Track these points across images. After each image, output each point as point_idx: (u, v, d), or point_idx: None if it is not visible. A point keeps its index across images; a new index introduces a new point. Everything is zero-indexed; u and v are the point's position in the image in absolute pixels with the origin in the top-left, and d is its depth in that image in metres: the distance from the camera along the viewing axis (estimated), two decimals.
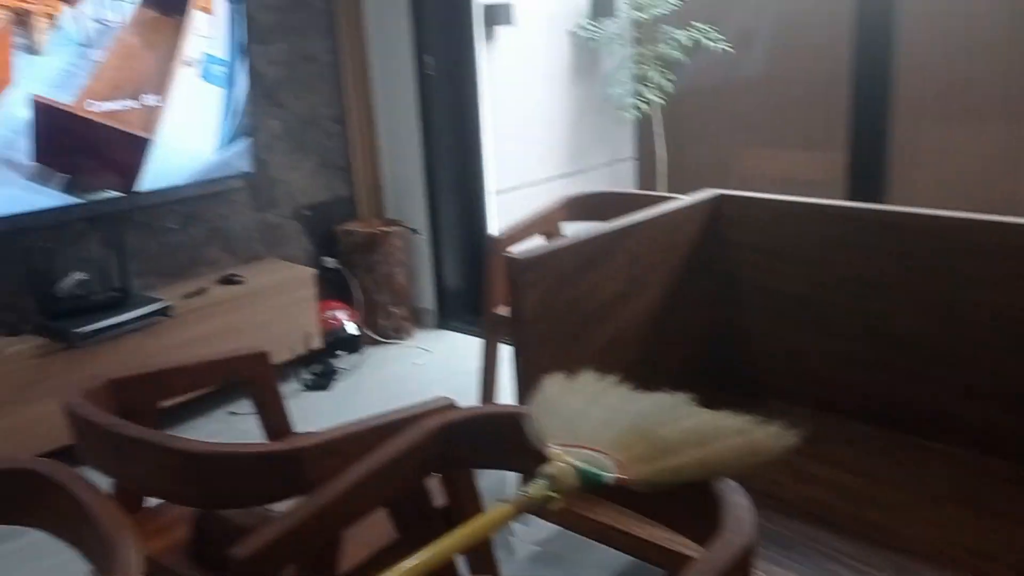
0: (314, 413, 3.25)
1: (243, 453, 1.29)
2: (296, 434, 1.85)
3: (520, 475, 1.47)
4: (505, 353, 2.79)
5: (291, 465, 1.31)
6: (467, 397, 3.13)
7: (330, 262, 3.94)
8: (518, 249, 1.86)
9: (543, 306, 1.88)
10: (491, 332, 2.76)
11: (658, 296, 2.20)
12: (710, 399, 1.27)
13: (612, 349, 2.08)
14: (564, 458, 1.22)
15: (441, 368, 3.65)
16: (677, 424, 1.29)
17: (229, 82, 3.21)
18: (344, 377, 3.59)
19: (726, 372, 2.36)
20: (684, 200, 2.26)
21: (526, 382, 1.86)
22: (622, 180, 5.13)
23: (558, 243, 1.95)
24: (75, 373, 2.86)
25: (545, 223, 2.83)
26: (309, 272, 3.64)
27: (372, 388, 3.49)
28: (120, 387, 1.62)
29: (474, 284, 4.17)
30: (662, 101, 4.65)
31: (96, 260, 3.19)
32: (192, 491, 1.36)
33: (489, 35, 4.07)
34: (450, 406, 1.52)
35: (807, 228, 2.18)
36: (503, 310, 2.70)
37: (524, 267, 1.83)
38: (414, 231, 4.00)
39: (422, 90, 3.86)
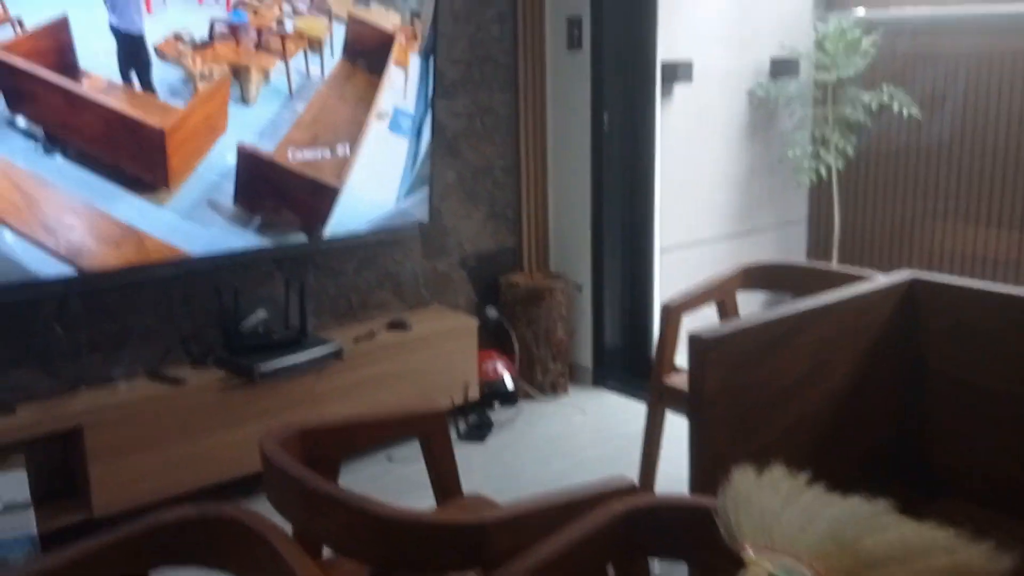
0: (471, 466, 3.27)
1: (431, 522, 1.30)
2: (466, 496, 1.86)
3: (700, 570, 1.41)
4: (671, 423, 2.72)
5: (476, 537, 1.30)
6: (625, 463, 3.07)
7: (492, 312, 3.98)
8: (689, 316, 1.81)
9: (725, 387, 1.81)
10: (657, 401, 2.70)
11: (843, 381, 2.08)
12: (890, 492, 1.18)
13: (793, 433, 1.98)
14: (764, 564, 1.15)
15: (598, 430, 3.61)
16: (879, 535, 1.19)
17: (415, 134, 3.33)
18: (500, 430, 3.60)
19: (909, 465, 2.20)
20: (875, 282, 2.15)
21: (703, 464, 1.79)
22: (792, 243, 4.96)
23: (742, 322, 1.88)
24: (253, 408, 3.00)
25: (720, 292, 2.76)
26: (472, 322, 3.70)
27: (528, 445, 3.48)
28: (309, 436, 1.67)
29: (634, 344, 4.11)
30: (841, 165, 4.48)
31: (277, 299, 3.36)
32: (374, 552, 1.38)
33: (666, 92, 4.05)
34: (632, 488, 1.48)
35: (1008, 318, 2.02)
36: (673, 380, 2.64)
37: (708, 346, 1.77)
38: (578, 287, 4.00)
39: (596, 145, 3.87)
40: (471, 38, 3.76)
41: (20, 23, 2.46)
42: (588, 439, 3.51)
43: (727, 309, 2.74)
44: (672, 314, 2.61)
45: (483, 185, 3.96)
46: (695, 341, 1.76)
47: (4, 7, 2.43)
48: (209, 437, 2.93)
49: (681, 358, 2.22)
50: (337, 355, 3.21)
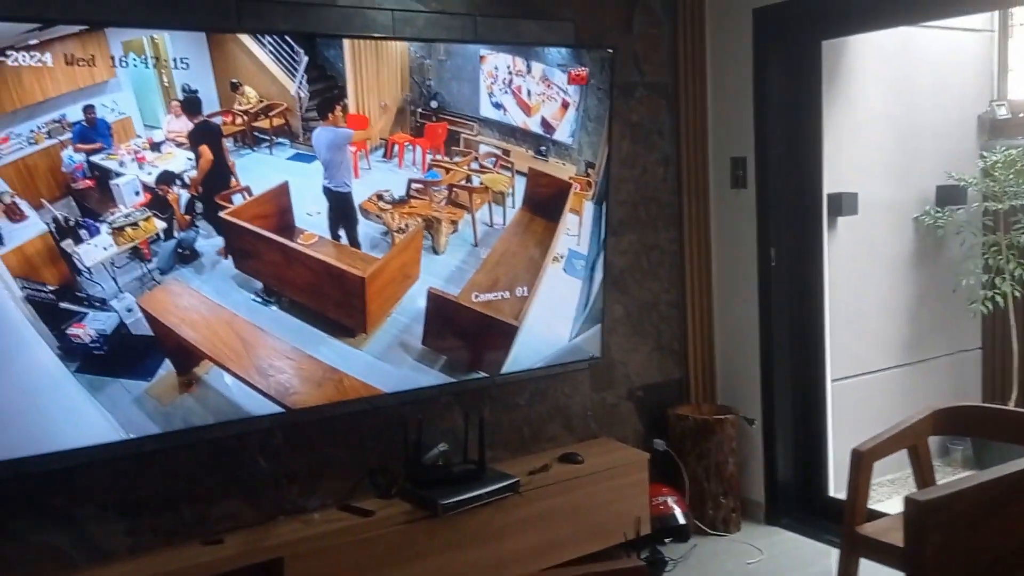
0: None
1: None
2: None
3: None
4: (864, 571, 2.62)
5: None
6: None
7: (660, 445, 3.98)
8: (876, 458, 1.77)
9: (944, 553, 1.76)
10: (850, 551, 2.62)
11: None
12: None
13: None
14: None
15: (775, 572, 3.49)
16: None
17: (588, 275, 3.46)
18: (675, 569, 3.54)
19: None
20: None
21: None
22: (967, 374, 4.74)
23: (958, 483, 1.84)
24: (438, 541, 3.10)
25: (911, 436, 2.68)
26: (643, 455, 3.71)
27: None
28: None
29: (808, 479, 4.00)
30: (1018, 293, 4.30)
31: (457, 432, 3.50)
32: None
33: (831, 224, 4.05)
34: None
35: None
36: (867, 529, 2.56)
37: (926, 509, 1.74)
38: (749, 421, 3.95)
39: (763, 279, 3.90)
40: (636, 180, 3.92)
41: (248, 191, 2.77)
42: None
43: (920, 456, 2.66)
44: (863, 460, 2.56)
45: (649, 319, 4.04)
46: (911, 504, 1.74)
47: (237, 178, 2.75)
48: (397, 570, 3.03)
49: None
50: (515, 488, 3.28)
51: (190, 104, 2.59)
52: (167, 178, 2.63)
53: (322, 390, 3.01)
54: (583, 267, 3.46)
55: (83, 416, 2.64)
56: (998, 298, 4.33)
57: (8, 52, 2.34)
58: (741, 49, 3.82)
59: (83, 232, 2.54)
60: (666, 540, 3.72)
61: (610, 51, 3.33)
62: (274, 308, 2.88)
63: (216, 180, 2.69)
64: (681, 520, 3.76)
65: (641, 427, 4.07)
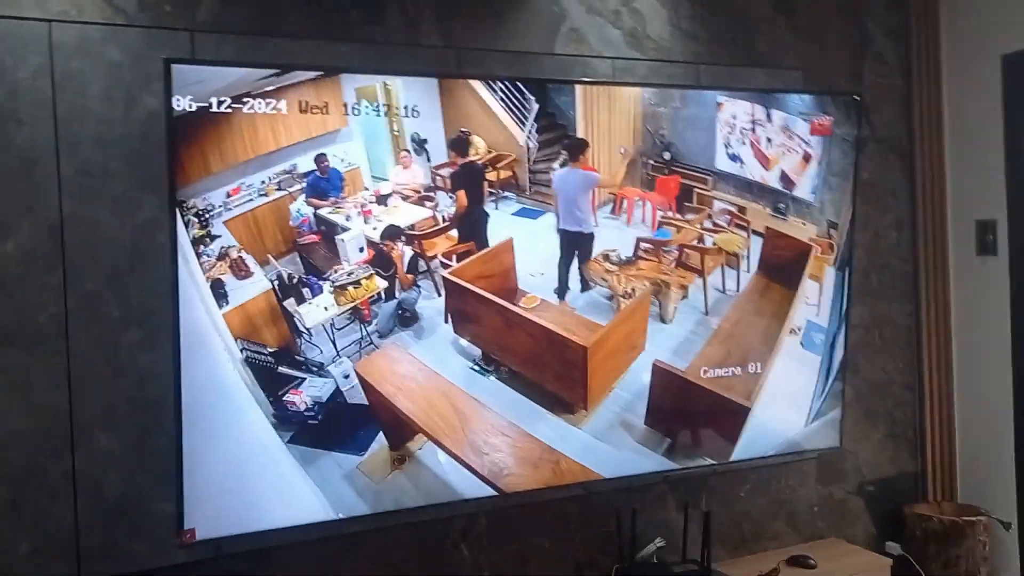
0: None
1: None
2: None
3: None
4: None
5: None
6: None
7: (895, 549, 3.46)
8: None
9: None
10: None
11: None
12: None
13: None
14: None
15: None
16: None
17: (828, 350, 3.05)
18: None
19: None
20: None
21: None
22: None
23: None
24: None
25: None
26: (883, 562, 3.21)
27: None
28: None
29: None
30: None
31: (671, 524, 3.11)
32: None
33: None
34: None
35: None
36: None
37: None
38: (1005, 525, 3.38)
39: (1019, 361, 3.37)
40: (867, 245, 3.51)
41: (473, 248, 2.54)
42: None
43: None
44: None
45: (882, 402, 3.56)
46: None
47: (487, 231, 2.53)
48: None
49: None
50: None
51: (458, 144, 2.41)
52: (393, 233, 2.43)
53: (538, 472, 2.69)
54: (822, 341, 3.05)
55: (293, 492, 2.41)
56: None
57: (245, 99, 2.20)
58: (988, 99, 3.40)
59: (305, 290, 2.36)
60: None
61: (856, 98, 2.98)
62: (492, 378, 2.62)
63: (472, 230, 2.47)
64: None
65: (873, 527, 3.56)
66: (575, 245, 2.66)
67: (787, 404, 3.04)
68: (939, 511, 3.48)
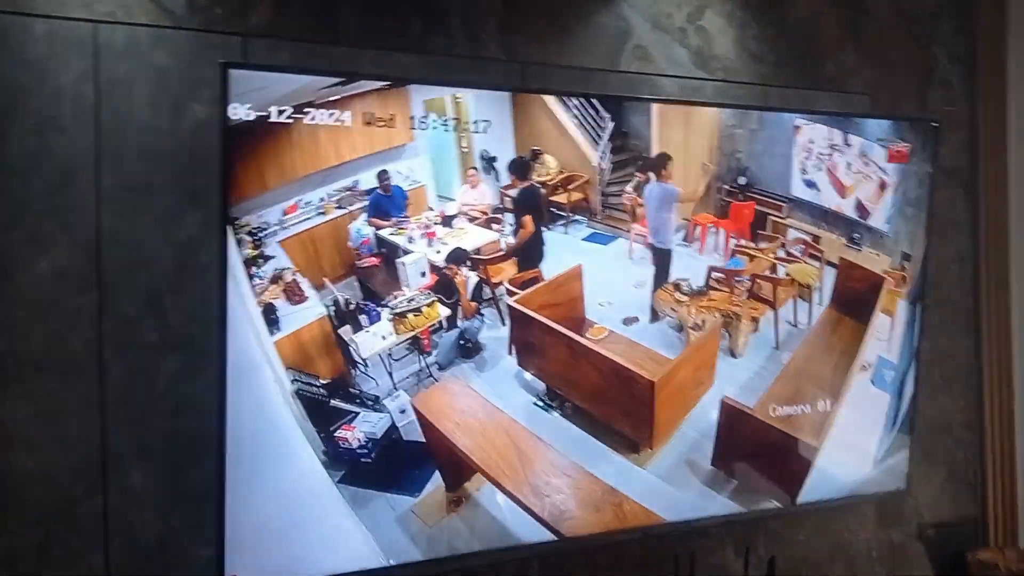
0: None
1: None
2: None
3: None
4: None
5: None
6: None
7: None
8: None
9: None
10: None
11: None
12: None
13: None
14: None
15: None
16: None
17: (897, 389, 2.88)
18: None
19: None
20: None
21: None
22: None
23: None
24: None
25: None
26: None
27: None
28: None
29: None
30: None
31: (727, 569, 2.92)
32: None
33: None
34: None
35: None
36: None
37: None
38: None
39: None
40: (929, 278, 3.34)
41: (540, 275, 2.36)
42: None
43: None
44: None
45: (942, 443, 3.39)
46: None
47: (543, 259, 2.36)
48: None
49: None
50: None
51: (518, 167, 2.23)
52: (458, 257, 2.26)
53: (599, 515, 2.50)
54: (892, 379, 2.88)
55: (342, 536, 2.22)
56: None
57: (307, 109, 2.03)
58: None
59: (363, 317, 2.17)
60: None
61: (934, 124, 2.83)
62: (556, 415, 2.43)
63: (527, 255, 2.29)
64: None
65: (932, 574, 3.37)
66: (659, 259, 2.49)
67: (856, 444, 2.87)
68: (1002, 558, 3.30)
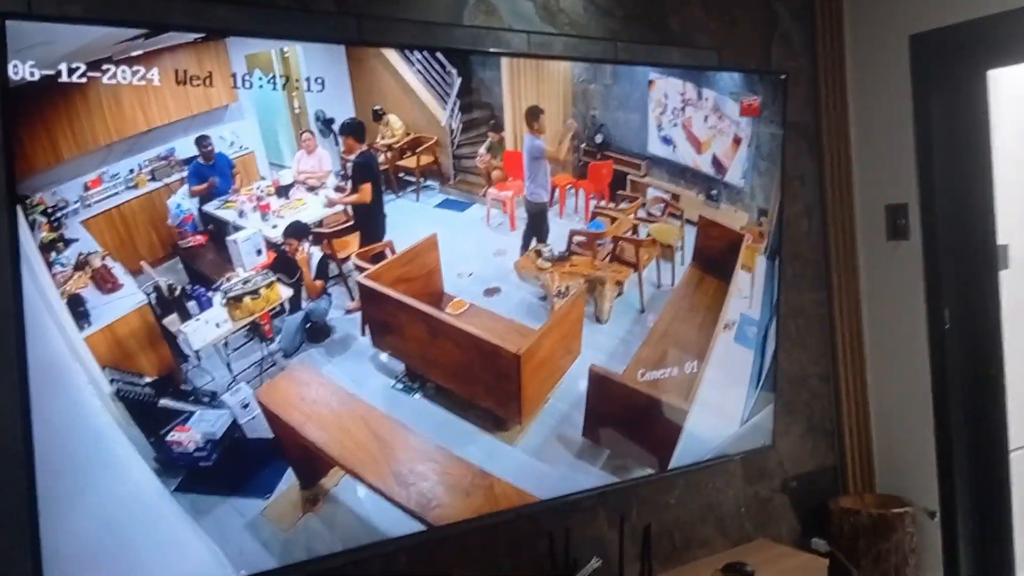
0: None
1: None
2: None
3: None
4: None
5: None
6: None
7: (821, 545, 3.33)
8: None
9: None
10: None
11: None
12: None
13: None
14: None
15: None
16: None
17: (760, 345, 2.88)
18: None
19: None
20: None
21: None
22: None
23: None
24: None
25: None
26: (819, 563, 3.07)
27: None
28: None
29: None
30: None
31: (602, 542, 2.85)
32: None
33: None
34: None
35: None
36: None
37: None
38: (931, 514, 3.34)
39: (935, 345, 3.34)
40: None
41: (391, 247, 2.17)
42: None
43: None
44: None
45: (799, 396, 3.45)
46: None
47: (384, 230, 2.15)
48: None
49: None
50: None
51: (352, 128, 2.00)
52: (297, 231, 2.02)
53: (469, 500, 2.36)
54: (755, 335, 2.87)
55: (182, 550, 1.97)
56: None
57: (105, 66, 1.74)
58: (895, 81, 3.33)
59: (191, 304, 1.91)
60: None
61: (783, 77, 2.82)
62: (417, 396, 2.25)
63: (368, 228, 2.08)
64: None
65: (797, 524, 3.43)
66: (533, 214, 2.34)
67: (723, 404, 2.84)
68: (862, 504, 3.39)
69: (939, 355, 3.34)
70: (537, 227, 2.39)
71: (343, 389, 2.14)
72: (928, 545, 3.38)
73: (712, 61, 3.10)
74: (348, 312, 2.12)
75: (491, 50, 2.47)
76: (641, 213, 2.60)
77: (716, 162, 2.70)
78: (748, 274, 2.83)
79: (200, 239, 1.93)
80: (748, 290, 2.84)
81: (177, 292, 1.89)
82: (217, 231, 1.95)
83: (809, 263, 3.47)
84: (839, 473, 3.54)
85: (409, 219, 2.20)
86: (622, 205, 2.56)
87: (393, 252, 2.17)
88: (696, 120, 2.63)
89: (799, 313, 3.45)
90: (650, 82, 2.55)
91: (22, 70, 1.66)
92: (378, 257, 2.16)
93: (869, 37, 3.41)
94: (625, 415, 2.63)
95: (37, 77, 1.67)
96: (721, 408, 2.84)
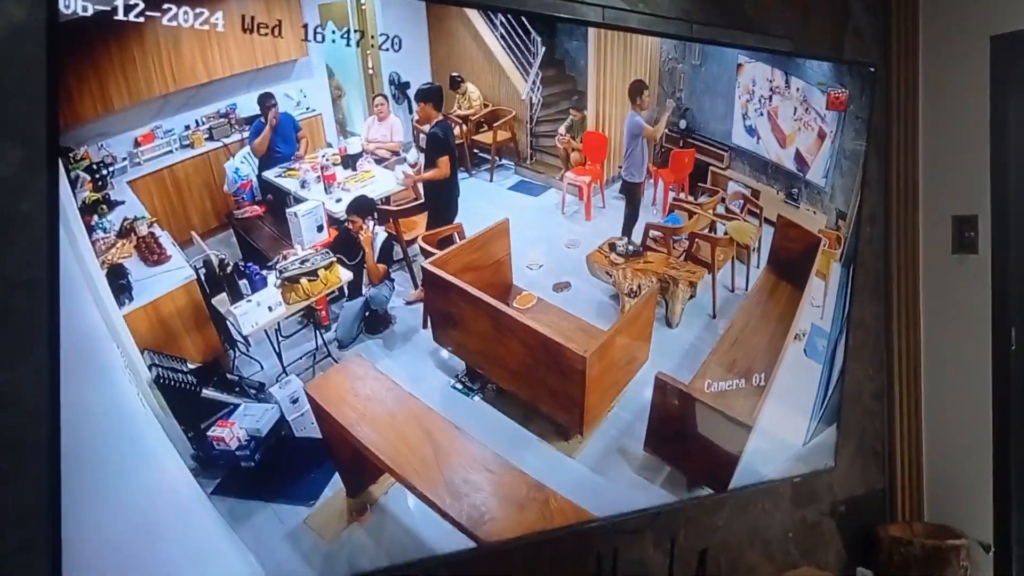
0: None
1: None
2: None
3: None
4: None
5: None
6: None
7: (866, 575, 3.16)
8: None
9: None
10: None
11: None
12: None
13: None
14: None
15: None
16: None
17: (829, 359, 2.68)
18: None
19: None
20: None
21: None
22: None
23: None
24: None
25: None
26: None
27: None
28: None
29: None
30: None
31: (648, 565, 2.64)
32: None
33: None
34: None
35: None
36: None
37: None
38: (986, 548, 3.15)
39: (1000, 367, 3.15)
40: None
41: (461, 233, 1.95)
42: None
43: None
44: None
45: (852, 413, 3.25)
46: None
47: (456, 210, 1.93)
48: None
49: None
50: None
51: (431, 95, 1.78)
52: (362, 207, 1.80)
53: (523, 515, 2.14)
54: (824, 348, 2.67)
55: (216, 559, 1.74)
56: None
57: (166, 4, 1.51)
58: (972, 83, 3.14)
59: (243, 283, 1.69)
60: None
61: (872, 69, 2.62)
62: (477, 399, 2.04)
63: (438, 208, 1.86)
64: None
65: (844, 551, 3.24)
66: (628, 195, 2.13)
67: (788, 421, 2.64)
68: (911, 532, 3.20)
69: (1003, 377, 3.15)
70: (635, 208, 2.17)
71: (400, 387, 1.92)
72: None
73: (787, 48, 2.90)
74: (409, 303, 1.90)
75: (583, 19, 2.25)
76: (720, 209, 2.39)
77: (799, 157, 2.50)
78: (822, 282, 2.63)
79: (257, 210, 1.70)
80: (821, 299, 2.64)
81: (229, 268, 1.67)
82: (276, 202, 1.72)
83: (869, 273, 3.28)
84: (888, 498, 3.35)
85: (481, 201, 1.98)
86: (701, 199, 2.35)
87: (462, 237, 1.95)
88: (783, 111, 2.43)
89: (858, 326, 3.25)
90: (739, 66, 2.34)
91: (74, 3, 1.43)
92: (445, 242, 1.94)
93: (947, 36, 3.22)
94: (689, 429, 2.42)
95: (90, 12, 1.45)
96: (785, 425, 2.64)
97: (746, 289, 2.48)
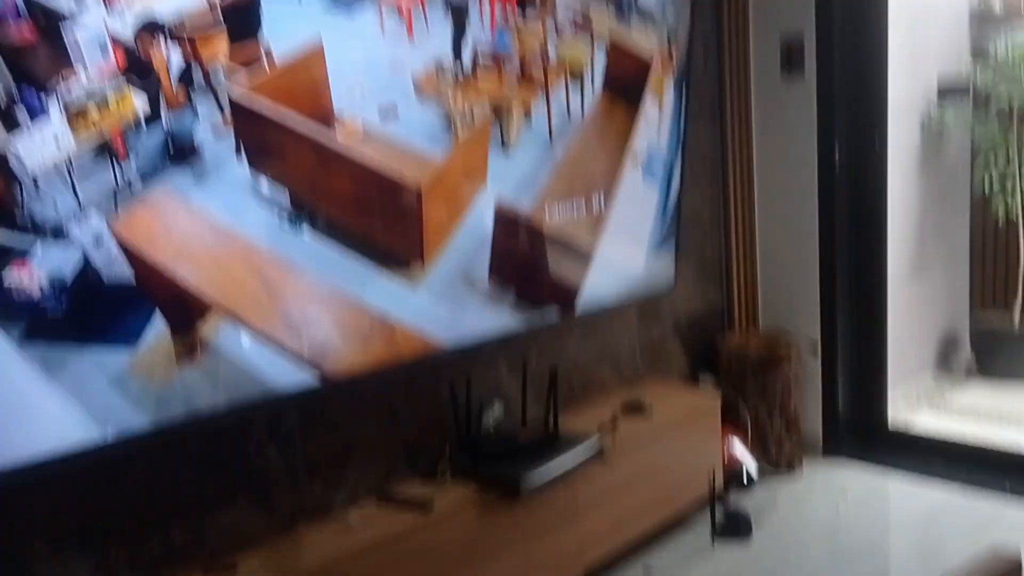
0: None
1: None
2: None
3: None
4: None
5: None
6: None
7: (708, 382, 3.38)
8: None
9: None
10: None
11: None
12: None
13: None
14: None
15: (868, 513, 3.03)
16: None
17: (665, 180, 2.73)
18: (760, 521, 2.96)
19: None
20: None
21: None
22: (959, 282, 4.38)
23: None
24: (514, 530, 2.35)
25: None
26: (713, 399, 3.09)
27: (805, 540, 2.86)
28: None
29: (865, 407, 3.53)
30: None
31: (502, 388, 2.72)
32: None
33: None
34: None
35: None
36: None
37: None
38: (813, 348, 3.40)
39: (824, 185, 3.31)
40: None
41: (269, 55, 1.83)
42: (870, 523, 2.96)
43: None
44: None
45: (692, 236, 3.36)
46: None
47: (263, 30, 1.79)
48: (481, 569, 2.26)
49: None
50: (600, 455, 2.57)
51: None
52: (152, 26, 1.64)
53: (368, 348, 2.14)
54: (661, 170, 2.72)
55: (35, 411, 1.66)
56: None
57: None
58: None
59: (21, 113, 1.53)
60: (735, 489, 3.14)
61: None
62: (307, 233, 1.97)
63: (240, 20, 1.72)
64: (753, 470, 3.19)
65: (686, 363, 3.43)
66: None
67: (629, 244, 2.71)
68: (747, 341, 3.41)
69: (828, 195, 3.32)
70: (461, 24, 2.07)
71: (218, 221, 1.83)
72: (811, 375, 3.45)
73: None
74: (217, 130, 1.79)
75: None
76: (550, 24, 2.33)
77: None
78: (656, 101, 2.64)
79: (28, 33, 1.52)
80: (656, 120, 2.66)
81: (3, 98, 1.50)
82: (49, 23, 1.54)
83: (704, 96, 3.32)
84: (726, 312, 3.54)
85: (289, 21, 1.85)
86: (530, 12, 2.28)
87: (271, 59, 1.83)
88: None
89: (692, 151, 3.32)
90: None
91: None
92: (252, 63, 1.81)
93: None
94: (532, 255, 2.44)
95: None
96: (626, 249, 2.71)
97: (582, 112, 2.46)
